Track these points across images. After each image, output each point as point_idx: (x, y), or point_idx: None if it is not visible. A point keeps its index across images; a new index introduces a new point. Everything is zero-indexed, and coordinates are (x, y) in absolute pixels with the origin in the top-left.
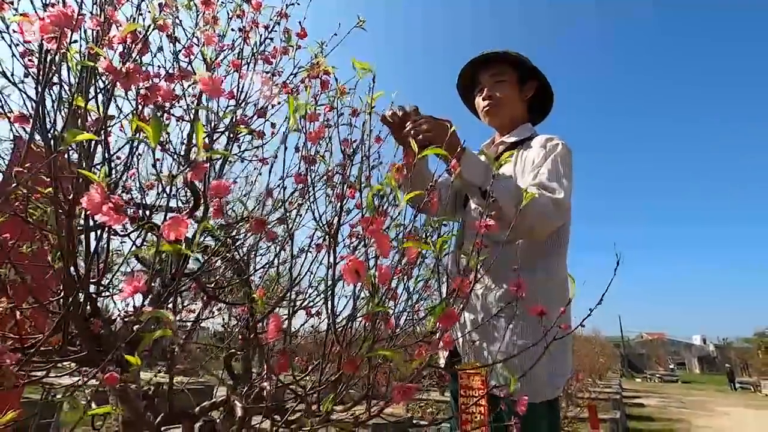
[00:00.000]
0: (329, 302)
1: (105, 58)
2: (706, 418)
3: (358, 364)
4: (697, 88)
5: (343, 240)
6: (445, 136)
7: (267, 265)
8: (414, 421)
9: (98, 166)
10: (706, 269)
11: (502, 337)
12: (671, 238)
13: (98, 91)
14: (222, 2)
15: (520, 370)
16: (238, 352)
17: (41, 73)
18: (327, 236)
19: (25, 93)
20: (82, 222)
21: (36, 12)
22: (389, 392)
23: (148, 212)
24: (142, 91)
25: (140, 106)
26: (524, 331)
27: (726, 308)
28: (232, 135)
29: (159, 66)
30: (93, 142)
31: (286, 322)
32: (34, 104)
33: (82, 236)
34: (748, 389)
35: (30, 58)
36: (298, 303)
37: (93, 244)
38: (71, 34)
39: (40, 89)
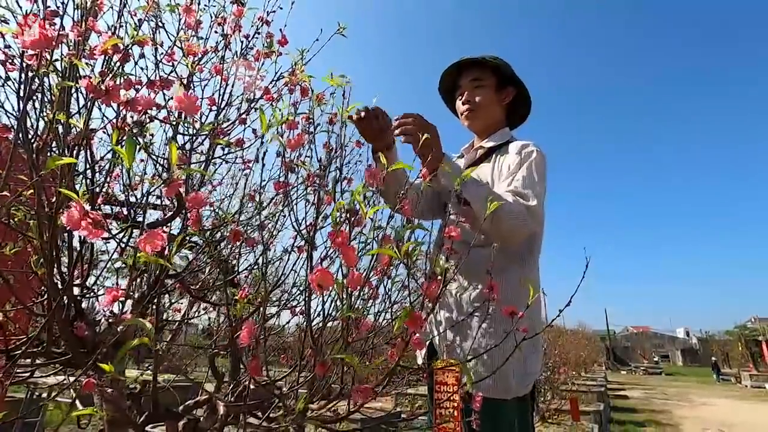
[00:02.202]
0: (306, 305)
1: (86, 77)
2: (688, 409)
3: (327, 367)
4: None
5: (324, 242)
6: (429, 140)
7: (252, 266)
8: (402, 416)
9: (81, 173)
10: (691, 264)
11: (474, 336)
12: (656, 232)
13: (80, 107)
14: (204, 6)
15: (492, 368)
16: (222, 351)
17: (23, 88)
18: (305, 240)
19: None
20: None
21: (15, 19)
22: (348, 390)
23: (132, 211)
24: (123, 102)
25: (122, 112)
26: (497, 330)
27: (709, 302)
28: (213, 141)
29: (141, 68)
30: (75, 151)
31: (265, 324)
32: (14, 118)
33: (65, 235)
34: (729, 380)
35: (11, 61)
36: (282, 302)
37: (76, 244)
38: (52, 53)
39: (21, 105)
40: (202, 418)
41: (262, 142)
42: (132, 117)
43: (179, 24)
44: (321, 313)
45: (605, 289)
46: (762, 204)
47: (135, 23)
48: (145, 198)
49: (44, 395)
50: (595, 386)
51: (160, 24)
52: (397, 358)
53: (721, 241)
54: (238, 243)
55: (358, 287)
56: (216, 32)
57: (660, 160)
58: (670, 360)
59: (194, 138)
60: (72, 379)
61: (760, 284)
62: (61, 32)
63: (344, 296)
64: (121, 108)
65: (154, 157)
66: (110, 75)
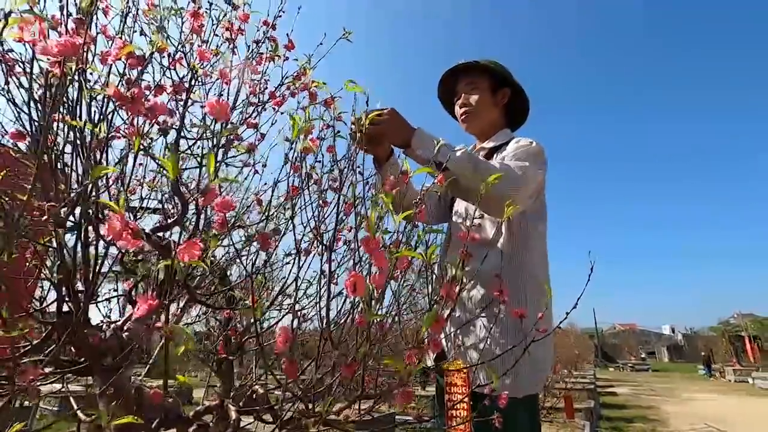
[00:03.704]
0: (324, 308)
1: (113, 84)
2: (675, 404)
3: (355, 368)
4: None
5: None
6: (393, 127)
7: (255, 271)
8: (397, 417)
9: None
10: (676, 261)
11: (484, 336)
12: (644, 229)
13: (102, 115)
14: (205, 10)
15: (502, 368)
16: (230, 357)
17: (48, 97)
18: (322, 245)
19: (13, 102)
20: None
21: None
22: (385, 392)
23: (133, 216)
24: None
25: (139, 121)
26: (505, 330)
27: (693, 299)
28: (220, 143)
29: (147, 73)
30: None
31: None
32: (33, 125)
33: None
34: (714, 375)
35: (13, 68)
36: (287, 307)
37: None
38: (78, 60)
39: (46, 114)
40: (211, 424)
41: (291, 147)
42: (140, 123)
43: (181, 28)
44: (336, 311)
45: (592, 285)
46: (745, 199)
47: (154, 30)
48: (146, 202)
49: (40, 403)
50: (584, 384)
51: (163, 28)
52: (417, 360)
53: (707, 237)
54: (265, 248)
55: (380, 288)
56: (217, 35)
57: (647, 154)
58: (657, 356)
59: (197, 139)
60: (101, 388)
61: (742, 280)
62: (87, 40)
63: (369, 300)
64: (131, 114)
65: (156, 160)
66: (133, 82)
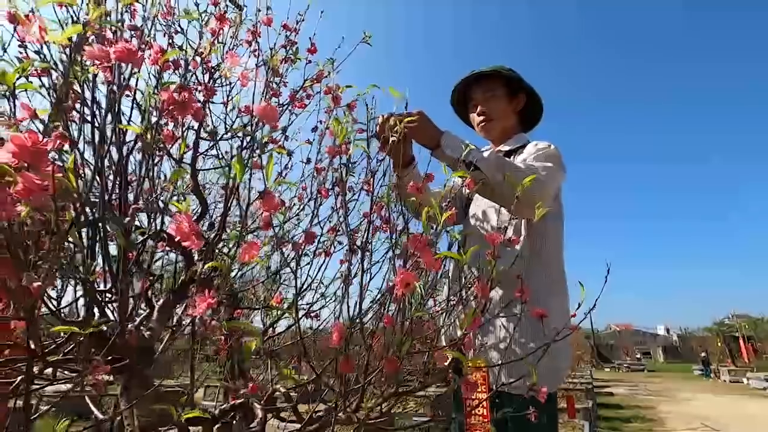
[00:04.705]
0: (358, 307)
1: (167, 90)
2: (671, 404)
3: (397, 365)
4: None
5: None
6: (422, 128)
7: (274, 273)
8: (396, 417)
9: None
10: (670, 262)
11: (504, 336)
12: (640, 228)
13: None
14: (224, 10)
15: (523, 368)
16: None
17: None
18: (354, 246)
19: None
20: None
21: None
22: (425, 384)
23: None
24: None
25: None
26: (526, 330)
27: (687, 300)
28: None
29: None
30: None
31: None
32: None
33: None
34: (710, 376)
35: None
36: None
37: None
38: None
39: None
40: (234, 422)
41: (338, 154)
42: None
43: (201, 31)
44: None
45: (589, 287)
46: (735, 196)
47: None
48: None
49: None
50: (582, 384)
51: (178, 30)
52: (449, 359)
53: (703, 237)
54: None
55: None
56: (232, 37)
57: (640, 153)
58: (652, 357)
59: (218, 140)
60: (154, 386)
61: (737, 280)
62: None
63: (413, 297)
64: (180, 118)
65: (174, 159)
66: (185, 87)
